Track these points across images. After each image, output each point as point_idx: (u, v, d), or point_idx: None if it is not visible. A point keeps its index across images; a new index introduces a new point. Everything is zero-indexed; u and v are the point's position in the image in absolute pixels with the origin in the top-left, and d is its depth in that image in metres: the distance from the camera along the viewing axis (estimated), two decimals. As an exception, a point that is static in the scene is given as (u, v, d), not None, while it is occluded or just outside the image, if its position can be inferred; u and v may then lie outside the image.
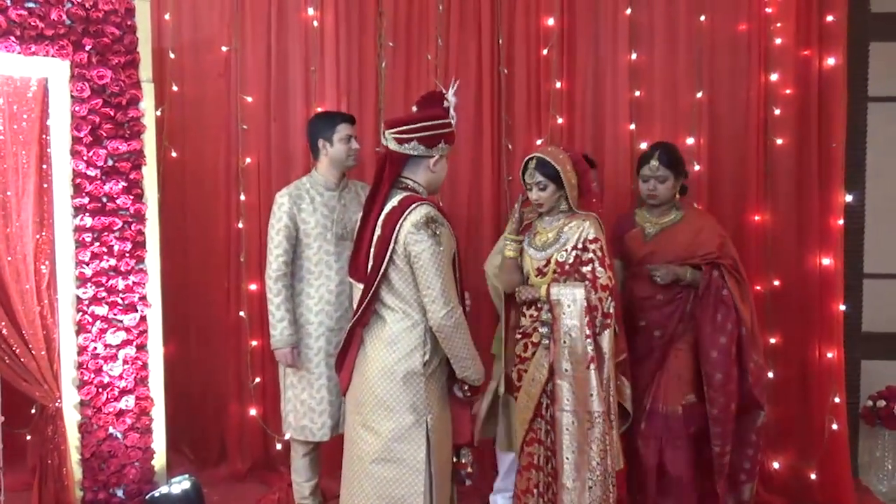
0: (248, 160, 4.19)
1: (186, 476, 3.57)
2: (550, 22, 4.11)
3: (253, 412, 4.21)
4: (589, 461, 2.98)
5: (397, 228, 2.57)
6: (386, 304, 2.65)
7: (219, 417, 4.30)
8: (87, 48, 3.32)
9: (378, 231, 2.64)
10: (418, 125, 2.64)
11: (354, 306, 2.77)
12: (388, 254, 2.59)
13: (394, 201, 2.64)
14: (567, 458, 2.99)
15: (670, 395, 3.35)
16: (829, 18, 4.00)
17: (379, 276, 2.61)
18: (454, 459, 2.78)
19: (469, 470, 2.80)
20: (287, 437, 3.61)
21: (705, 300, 3.33)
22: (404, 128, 2.64)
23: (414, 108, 2.74)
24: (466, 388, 2.71)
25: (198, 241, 4.27)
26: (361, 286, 2.70)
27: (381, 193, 2.68)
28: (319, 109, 3.98)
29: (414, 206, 2.58)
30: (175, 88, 4.19)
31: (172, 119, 4.17)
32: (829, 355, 3.97)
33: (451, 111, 2.69)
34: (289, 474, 3.71)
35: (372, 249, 2.66)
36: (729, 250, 3.42)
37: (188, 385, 4.20)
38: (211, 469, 4.22)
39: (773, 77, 4.06)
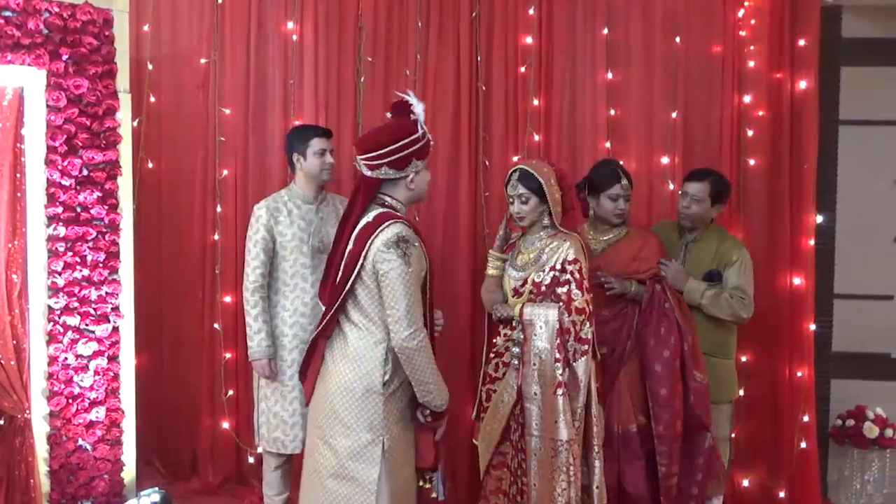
0: (225, 172, 4.18)
1: (156, 489, 3.52)
2: (528, 40, 4.16)
3: (225, 425, 4.18)
4: (552, 489, 2.90)
5: (368, 245, 2.56)
6: (350, 319, 2.64)
7: (191, 430, 4.26)
8: (64, 58, 3.31)
9: (350, 246, 2.64)
10: (386, 150, 2.60)
11: None
12: (357, 269, 2.58)
13: (369, 217, 2.63)
14: (535, 485, 2.94)
15: (624, 415, 3.31)
16: (802, 42, 4.08)
17: (346, 290, 2.60)
18: (419, 483, 2.74)
19: (434, 495, 2.75)
20: (259, 449, 3.59)
21: (648, 313, 3.32)
22: (372, 155, 2.61)
23: (388, 115, 2.76)
24: (427, 412, 2.64)
25: (173, 252, 4.25)
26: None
27: (354, 214, 2.68)
28: (297, 123, 3.98)
29: (387, 224, 2.56)
30: (153, 99, 4.18)
31: (150, 130, 4.16)
32: (800, 374, 4.01)
33: (421, 123, 2.63)
34: (261, 488, 3.68)
35: (343, 263, 2.65)
36: None
37: (160, 397, 4.18)
38: (182, 482, 4.19)
39: (747, 99, 4.13)
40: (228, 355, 4.16)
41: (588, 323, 2.97)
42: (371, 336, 2.60)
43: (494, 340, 3.16)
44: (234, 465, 4.24)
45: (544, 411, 2.91)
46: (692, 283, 3.44)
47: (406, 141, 2.61)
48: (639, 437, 3.29)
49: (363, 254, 2.56)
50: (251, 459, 4.18)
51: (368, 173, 2.63)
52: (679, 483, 3.32)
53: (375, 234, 2.55)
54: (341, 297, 2.61)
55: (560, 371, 2.90)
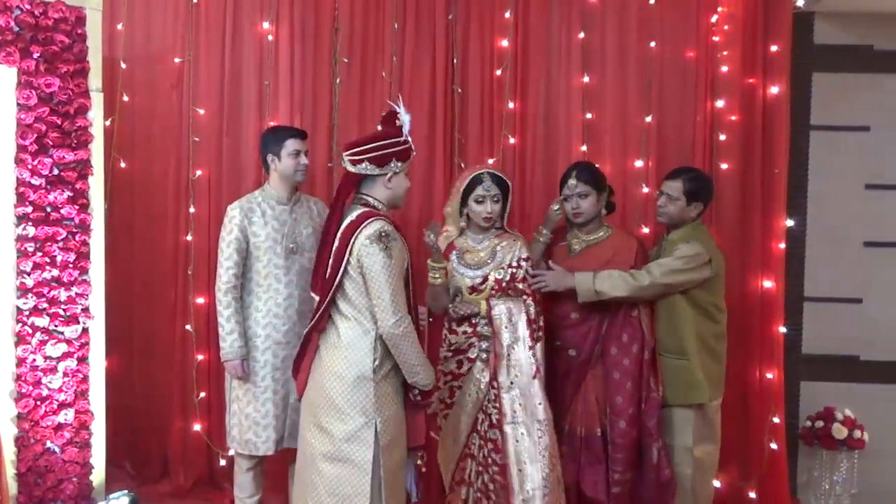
0: (198, 173, 4.16)
1: (126, 492, 3.51)
2: (504, 43, 4.16)
3: (197, 427, 4.15)
4: (542, 469, 3.06)
5: (352, 241, 2.74)
6: (340, 311, 2.82)
7: (161, 432, 4.23)
8: (36, 56, 3.28)
9: (336, 243, 2.80)
10: (368, 146, 2.83)
11: (310, 316, 2.93)
12: (343, 265, 2.76)
13: (352, 216, 2.81)
14: (520, 471, 3.05)
15: (588, 418, 3.34)
16: (774, 48, 4.11)
17: (335, 286, 2.78)
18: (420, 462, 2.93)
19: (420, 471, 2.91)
20: (231, 451, 3.57)
21: (614, 319, 3.33)
22: (356, 150, 2.83)
23: (378, 127, 2.93)
24: (417, 392, 2.85)
25: (145, 253, 4.22)
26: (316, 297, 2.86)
27: (337, 210, 2.85)
28: (272, 123, 3.97)
29: (369, 221, 2.75)
30: (126, 99, 4.14)
31: (122, 129, 4.13)
32: (770, 376, 4.05)
33: (405, 129, 2.85)
34: (232, 490, 3.64)
35: (330, 261, 2.81)
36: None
37: (131, 399, 4.15)
38: (152, 485, 4.16)
39: (719, 103, 4.16)
40: (201, 357, 4.14)
41: (541, 311, 3.23)
42: (360, 326, 2.78)
43: (451, 339, 3.23)
44: (205, 467, 4.21)
45: (523, 398, 3.09)
46: (579, 276, 3.29)
47: (388, 141, 2.84)
48: (602, 442, 3.32)
49: (348, 249, 2.75)
50: (223, 462, 4.15)
51: (351, 168, 2.84)
52: (633, 491, 3.34)
53: (359, 230, 2.74)
54: (331, 291, 2.79)
55: (534, 358, 3.13)
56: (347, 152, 2.85)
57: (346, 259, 2.75)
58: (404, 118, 2.86)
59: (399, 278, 2.76)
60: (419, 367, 2.80)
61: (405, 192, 2.93)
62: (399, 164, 2.85)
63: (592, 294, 3.25)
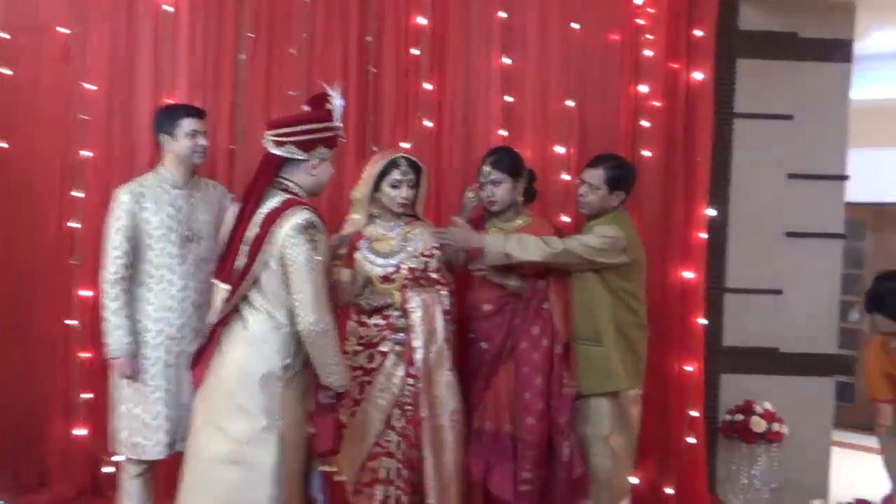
0: (86, 153, 3.87)
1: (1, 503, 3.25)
2: (421, 21, 3.98)
3: (80, 431, 3.88)
4: (458, 461, 3.11)
5: (274, 229, 2.61)
6: (251, 303, 2.68)
7: (41, 437, 3.94)
8: None
9: (256, 230, 2.64)
10: (295, 129, 2.70)
11: (206, 309, 2.85)
12: (261, 254, 2.62)
13: (274, 202, 2.67)
14: (437, 462, 3.05)
15: (498, 414, 3.26)
16: (698, 33, 4.05)
17: (249, 275, 2.63)
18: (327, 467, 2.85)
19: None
20: (118, 457, 3.34)
21: (526, 310, 3.27)
22: (281, 131, 2.71)
23: (305, 109, 2.83)
24: (332, 393, 2.72)
25: (25, 240, 3.92)
26: (223, 286, 2.70)
27: (255, 193, 2.70)
28: (169, 101, 3.72)
29: (295, 209, 2.63)
30: (7, 72, 3.85)
31: (2, 105, 3.85)
32: (689, 369, 4.01)
33: (336, 115, 2.75)
34: (119, 499, 3.38)
35: (244, 247, 2.66)
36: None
37: (6, 400, 3.88)
38: (30, 495, 3.88)
39: (643, 89, 4.07)
40: (85, 355, 3.86)
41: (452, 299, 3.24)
42: (272, 321, 2.65)
43: (361, 331, 3.17)
44: (89, 474, 3.94)
45: (441, 390, 3.10)
46: (489, 239, 3.23)
47: (317, 125, 2.73)
48: (510, 439, 3.26)
49: (268, 238, 2.61)
50: (109, 469, 3.85)
51: (273, 150, 2.71)
52: (544, 490, 3.28)
53: (282, 218, 2.61)
54: (243, 282, 2.64)
55: (448, 350, 3.13)
56: (271, 132, 2.72)
57: (265, 248, 2.61)
58: (336, 103, 2.75)
59: (323, 274, 2.68)
60: (335, 367, 2.68)
61: (328, 180, 2.83)
62: (326, 150, 2.75)
63: (502, 256, 3.17)
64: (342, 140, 2.84)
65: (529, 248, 3.17)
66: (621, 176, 3.38)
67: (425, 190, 3.29)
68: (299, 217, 2.60)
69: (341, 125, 2.80)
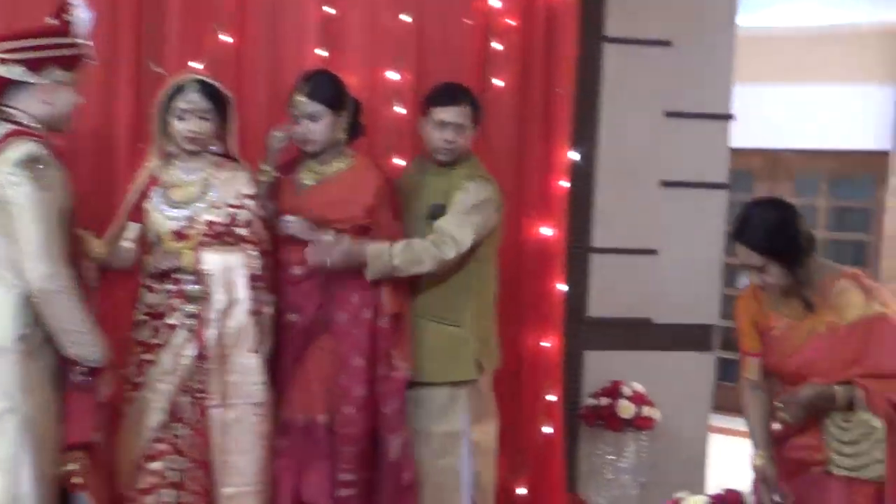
0: None
1: None
2: None
3: None
4: (258, 461, 2.80)
5: None
6: None
7: None
8: None
9: None
10: (20, 43, 2.44)
11: None
12: None
13: None
14: (226, 462, 2.76)
15: (309, 401, 2.92)
16: (561, -63, 3.54)
17: None
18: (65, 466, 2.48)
19: (79, 480, 2.45)
20: None
21: (343, 275, 2.88)
22: (2, 46, 2.44)
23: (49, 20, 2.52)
24: (86, 369, 2.45)
25: None
26: None
27: None
28: None
29: (15, 140, 2.39)
30: None
31: None
32: (546, 345, 3.54)
33: (79, 29, 2.48)
34: None
35: None
36: (386, 217, 2.97)
37: None
38: None
39: (495, 3, 3.52)
40: None
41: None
42: (1, 280, 2.39)
43: (147, 298, 2.81)
44: None
45: (239, 376, 2.77)
46: (372, 247, 2.85)
47: (47, 41, 2.47)
48: (326, 433, 2.93)
49: None
50: None
51: None
52: (369, 495, 2.97)
53: (0, 153, 2.37)
54: None
55: (255, 327, 2.79)
56: None
57: None
58: (79, 14, 2.48)
59: (56, 218, 2.38)
60: (81, 336, 2.38)
61: (70, 110, 2.54)
62: (61, 73, 2.46)
63: (389, 269, 2.85)
64: (89, 61, 2.53)
65: (422, 257, 2.86)
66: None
67: (236, 124, 2.91)
68: (19, 150, 2.36)
69: (87, 42, 2.48)
